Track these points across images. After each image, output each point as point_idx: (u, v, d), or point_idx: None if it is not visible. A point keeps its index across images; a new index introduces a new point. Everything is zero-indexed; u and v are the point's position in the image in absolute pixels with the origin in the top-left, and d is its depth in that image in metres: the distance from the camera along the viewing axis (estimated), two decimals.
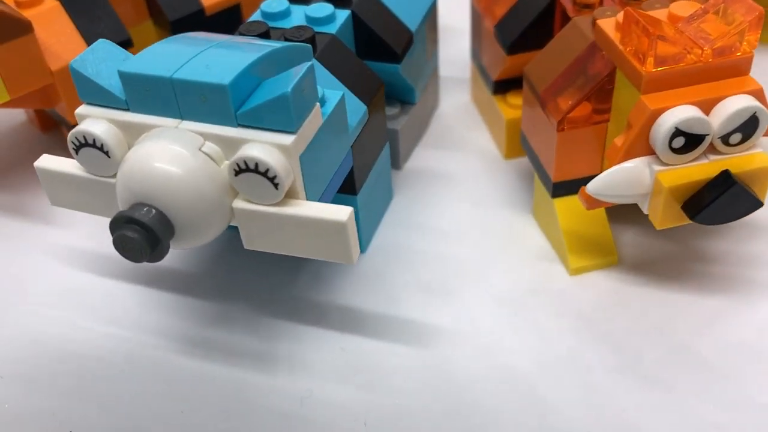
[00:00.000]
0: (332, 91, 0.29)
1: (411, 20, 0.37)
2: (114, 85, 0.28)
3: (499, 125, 0.39)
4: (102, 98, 0.28)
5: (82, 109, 0.28)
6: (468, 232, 0.36)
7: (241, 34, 0.33)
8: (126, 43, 0.39)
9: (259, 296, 0.34)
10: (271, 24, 0.34)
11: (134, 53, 0.28)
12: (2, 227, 0.38)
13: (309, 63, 0.26)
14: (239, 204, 0.27)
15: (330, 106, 0.29)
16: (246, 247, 0.28)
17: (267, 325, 0.32)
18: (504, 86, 0.39)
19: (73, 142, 0.28)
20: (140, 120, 0.27)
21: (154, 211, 0.26)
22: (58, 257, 0.36)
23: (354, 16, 0.35)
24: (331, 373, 0.30)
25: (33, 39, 0.35)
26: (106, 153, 0.27)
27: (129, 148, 0.28)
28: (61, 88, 0.37)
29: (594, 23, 0.31)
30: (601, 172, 0.32)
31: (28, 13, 0.37)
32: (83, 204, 0.30)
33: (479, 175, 0.39)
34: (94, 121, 0.28)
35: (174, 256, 0.36)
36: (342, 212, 0.26)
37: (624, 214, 0.35)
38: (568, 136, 0.31)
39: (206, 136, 0.27)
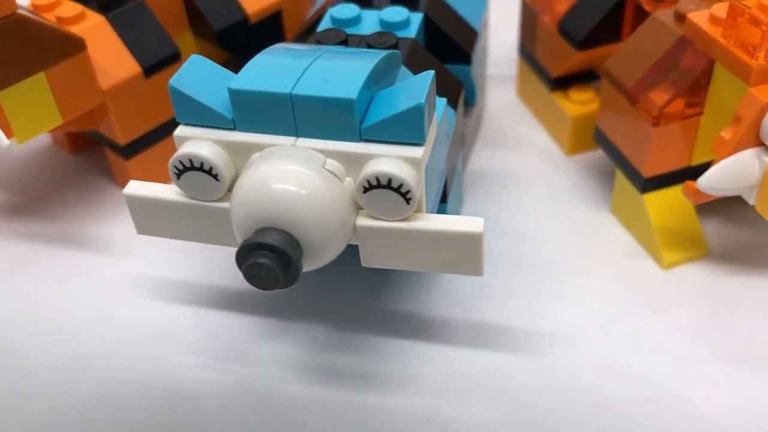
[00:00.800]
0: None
1: (474, 20, 0.37)
2: (218, 103, 0.26)
3: (559, 122, 0.39)
4: (204, 118, 0.26)
5: (181, 131, 0.27)
6: (549, 232, 0.35)
7: (318, 42, 0.32)
8: (175, 56, 0.37)
9: (352, 313, 0.33)
10: (345, 29, 0.33)
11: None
12: (58, 260, 0.36)
13: (431, 72, 0.25)
14: (363, 221, 0.26)
15: (438, 114, 0.28)
16: (364, 264, 0.27)
17: (369, 344, 0.31)
18: (564, 82, 0.39)
19: (176, 166, 0.26)
20: (250, 140, 0.26)
21: (284, 234, 0.24)
22: (130, 289, 0.34)
23: (426, 19, 0.34)
24: (444, 388, 0.30)
25: (86, 57, 0.33)
26: (215, 176, 0.26)
27: (236, 170, 0.27)
28: (113, 107, 0.35)
29: (682, 17, 0.31)
30: (689, 165, 0.33)
31: (73, 30, 0.34)
32: (178, 231, 0.28)
33: (543, 174, 0.39)
34: (199, 143, 0.26)
35: None
36: (476, 224, 0.25)
37: (705, 205, 0.35)
38: (663, 131, 0.31)
39: (327, 153, 0.25)
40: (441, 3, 0.35)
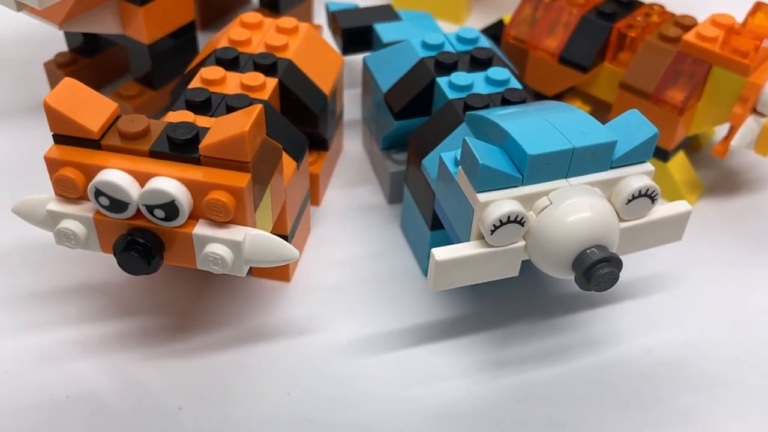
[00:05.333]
0: None
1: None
2: (506, 167, 0.33)
3: None
4: (499, 182, 0.33)
5: (484, 197, 0.33)
6: None
7: (468, 106, 0.39)
8: (306, 144, 0.41)
9: (523, 307, 0.42)
10: (463, 93, 0.41)
11: None
12: (267, 356, 0.38)
13: (635, 110, 0.36)
14: (622, 225, 0.35)
15: None
16: None
17: (560, 323, 0.41)
18: (558, 97, 0.51)
19: (494, 225, 0.33)
20: (536, 189, 0.34)
21: (605, 248, 0.33)
22: (348, 352, 0.39)
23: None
24: (639, 329, 0.40)
25: (282, 162, 0.36)
26: (523, 223, 0.33)
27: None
28: (288, 204, 0.38)
29: (667, 38, 0.45)
30: (687, 135, 0.48)
31: None
32: (472, 276, 0.35)
33: None
34: (507, 202, 0.33)
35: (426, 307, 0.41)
36: (685, 205, 0.37)
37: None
38: (683, 118, 0.45)
39: (592, 184, 0.35)
40: (503, 60, 0.45)
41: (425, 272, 0.43)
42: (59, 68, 0.52)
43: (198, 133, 0.33)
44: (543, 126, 0.35)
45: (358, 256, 0.44)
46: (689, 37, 0.45)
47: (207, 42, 0.47)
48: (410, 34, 0.50)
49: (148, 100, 0.50)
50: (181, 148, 0.32)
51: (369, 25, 0.51)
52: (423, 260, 0.43)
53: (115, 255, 0.33)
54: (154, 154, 0.32)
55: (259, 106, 0.32)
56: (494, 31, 0.56)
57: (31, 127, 0.51)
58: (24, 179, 0.47)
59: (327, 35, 0.58)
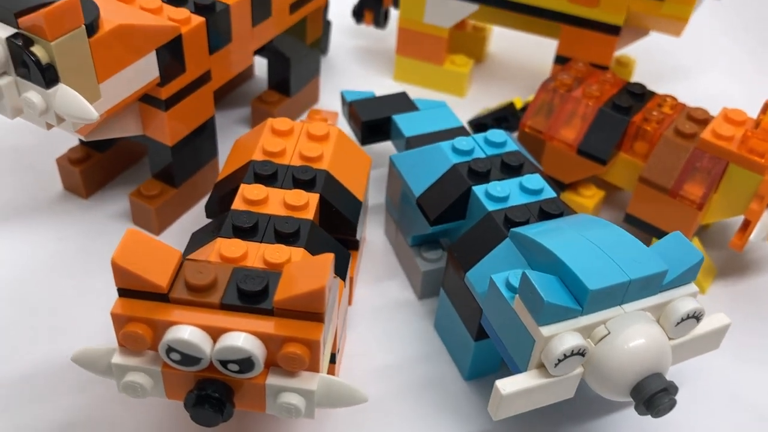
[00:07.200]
0: None
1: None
2: (565, 300, 0.34)
3: (582, 209, 0.52)
4: (560, 315, 0.34)
5: (547, 331, 0.34)
6: None
7: (508, 220, 0.40)
8: (349, 256, 0.41)
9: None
10: (501, 204, 0.42)
11: None
12: None
13: (678, 232, 0.37)
14: (672, 343, 0.37)
15: None
16: None
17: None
18: (573, 185, 0.52)
19: (559, 359, 0.34)
20: (594, 319, 0.35)
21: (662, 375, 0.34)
22: None
23: None
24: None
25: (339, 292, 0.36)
26: (583, 354, 0.34)
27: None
28: (338, 321, 0.38)
29: (682, 133, 0.47)
30: (701, 224, 0.49)
31: None
32: (533, 402, 0.36)
33: None
34: (569, 337, 0.34)
35: None
36: (724, 318, 0.38)
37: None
38: (701, 212, 0.47)
39: (645, 309, 0.36)
40: (533, 164, 0.46)
41: (466, 376, 0.44)
42: (72, 164, 0.51)
43: (269, 283, 0.33)
44: (594, 252, 0.36)
45: (395, 362, 0.44)
46: (706, 135, 0.47)
47: (234, 143, 0.47)
48: (430, 126, 0.50)
49: (170, 199, 0.50)
50: (253, 299, 0.32)
51: (387, 117, 0.52)
52: (463, 365, 0.44)
53: (186, 409, 0.32)
54: (225, 307, 0.32)
55: (330, 256, 0.32)
56: (504, 114, 0.57)
57: (42, 226, 0.50)
58: (38, 287, 0.46)
59: (342, 122, 0.58)
